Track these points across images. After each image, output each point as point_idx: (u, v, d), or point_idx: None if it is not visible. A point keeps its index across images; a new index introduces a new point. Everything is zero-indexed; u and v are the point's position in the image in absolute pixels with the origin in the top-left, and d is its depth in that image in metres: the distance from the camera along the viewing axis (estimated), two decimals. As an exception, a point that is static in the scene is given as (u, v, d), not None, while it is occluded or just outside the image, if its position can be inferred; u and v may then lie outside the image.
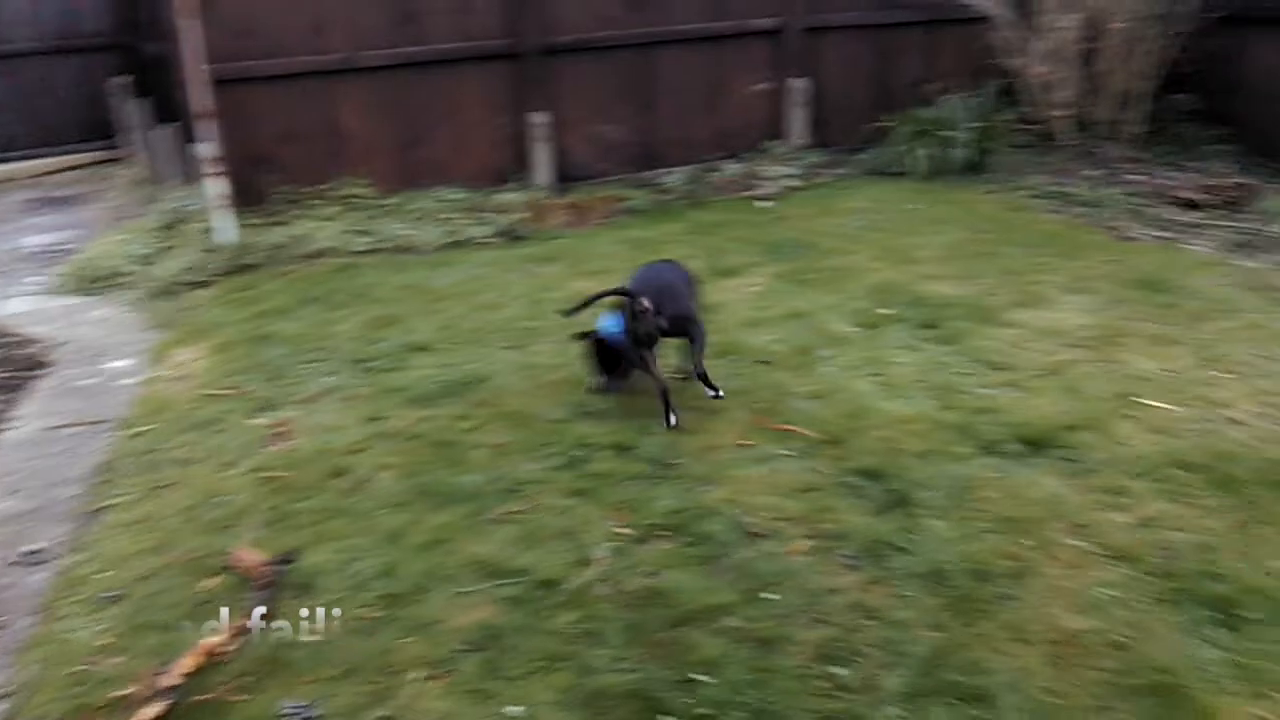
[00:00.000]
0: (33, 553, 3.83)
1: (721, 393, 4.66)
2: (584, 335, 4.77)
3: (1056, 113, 8.75)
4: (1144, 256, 6.49)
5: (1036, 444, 4.22)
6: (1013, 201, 7.83)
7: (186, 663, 3.07)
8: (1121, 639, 3.11)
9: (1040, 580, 3.40)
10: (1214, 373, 4.82)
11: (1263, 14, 8.12)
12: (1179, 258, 6.46)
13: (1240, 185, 7.40)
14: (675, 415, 4.47)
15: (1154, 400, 4.58)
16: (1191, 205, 7.29)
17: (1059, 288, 5.96)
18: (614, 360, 4.76)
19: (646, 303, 4.45)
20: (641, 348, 4.55)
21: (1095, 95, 8.74)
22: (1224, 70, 8.49)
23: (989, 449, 4.21)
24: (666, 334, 4.58)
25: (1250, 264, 6.28)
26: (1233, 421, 4.37)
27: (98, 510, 4.10)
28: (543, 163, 8.28)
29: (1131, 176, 8.12)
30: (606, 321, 4.69)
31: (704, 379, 4.64)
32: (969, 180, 8.38)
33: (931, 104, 8.96)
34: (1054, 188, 7.97)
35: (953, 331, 5.37)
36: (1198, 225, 7.02)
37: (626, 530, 3.76)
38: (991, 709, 2.86)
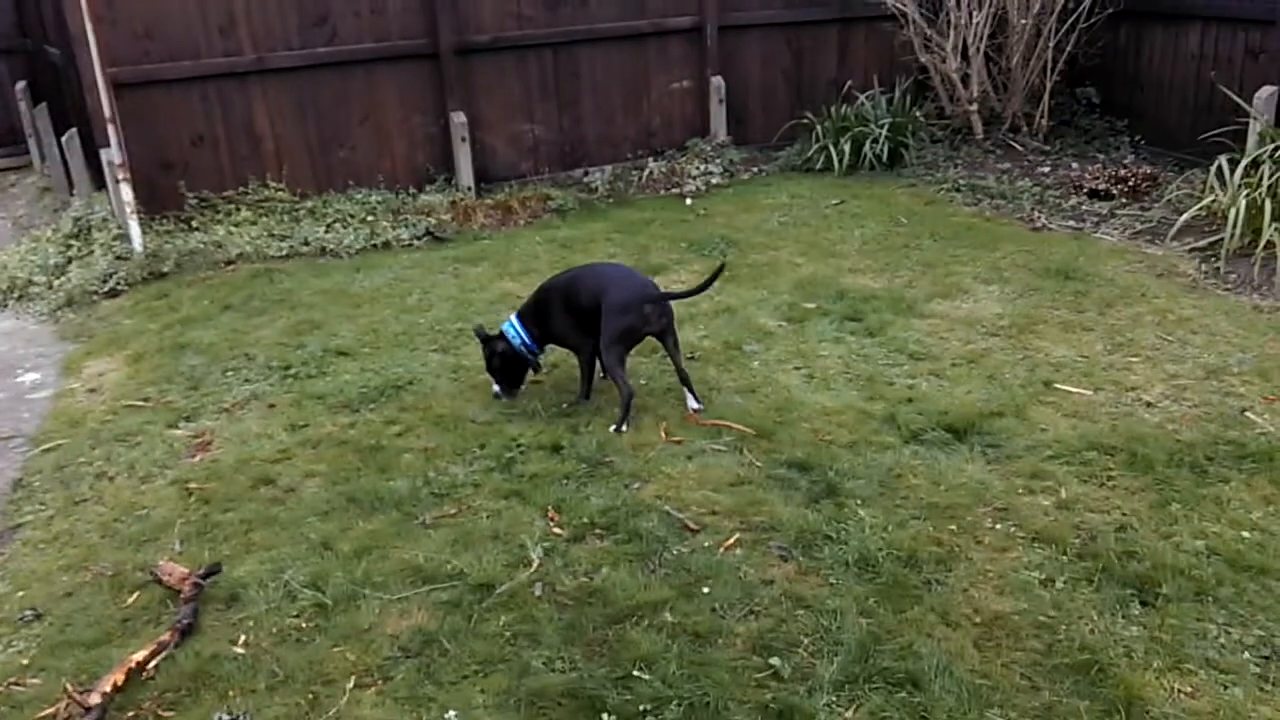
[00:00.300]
0: (-56, 575, 3.69)
1: (701, 402, 4.64)
2: (488, 345, 4.75)
3: (968, 107, 8.96)
4: (1056, 246, 6.67)
5: (959, 431, 4.32)
6: (929, 195, 7.98)
7: (111, 679, 2.99)
8: (1046, 620, 3.20)
9: (966, 565, 3.48)
10: (1125, 357, 4.98)
11: (1158, 8, 8.37)
12: (1089, 246, 6.65)
13: (1147, 175, 7.64)
14: (628, 425, 4.46)
15: (1070, 386, 4.71)
16: (1100, 195, 7.51)
17: (976, 278, 6.10)
18: (516, 369, 4.77)
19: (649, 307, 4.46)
20: (625, 350, 4.56)
21: (1005, 90, 8.98)
22: (1125, 63, 8.76)
23: (914, 438, 4.30)
24: (653, 334, 4.57)
25: (1157, 251, 6.49)
26: (1145, 404, 4.52)
27: (13, 528, 3.98)
28: (465, 163, 8.20)
29: (1042, 168, 8.35)
30: (509, 331, 4.69)
31: (689, 385, 4.64)
32: (886, 175, 8.53)
33: (848, 100, 9.11)
34: (968, 180, 8.16)
35: (875, 323, 5.46)
36: (1107, 215, 7.24)
37: (560, 530, 3.76)
38: (924, 693, 2.91)
